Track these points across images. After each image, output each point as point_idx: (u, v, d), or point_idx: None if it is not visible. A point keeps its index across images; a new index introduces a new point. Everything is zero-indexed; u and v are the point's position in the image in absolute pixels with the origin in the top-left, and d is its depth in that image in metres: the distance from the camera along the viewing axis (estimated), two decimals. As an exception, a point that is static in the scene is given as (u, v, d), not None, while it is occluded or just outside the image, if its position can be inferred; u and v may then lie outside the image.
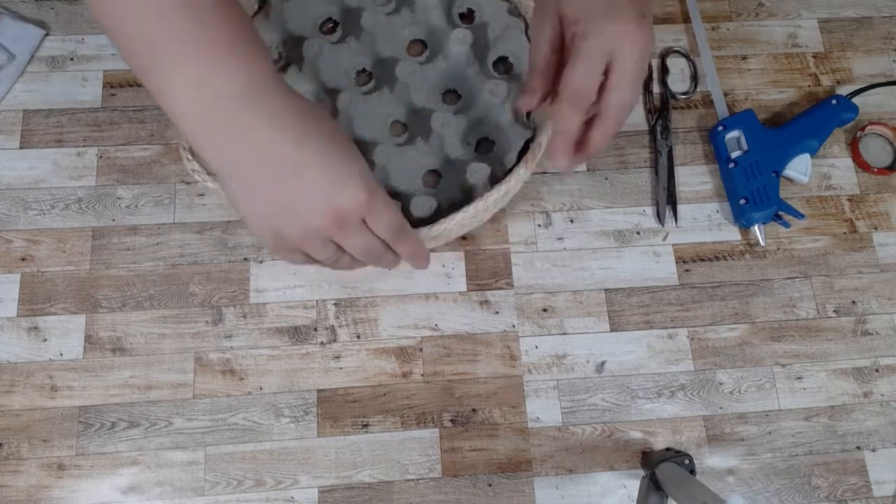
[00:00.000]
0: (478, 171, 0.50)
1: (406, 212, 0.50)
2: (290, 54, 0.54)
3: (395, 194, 0.51)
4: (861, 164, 0.59)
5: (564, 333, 0.54)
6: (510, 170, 0.48)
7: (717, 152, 0.58)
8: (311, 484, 0.50)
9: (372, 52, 0.53)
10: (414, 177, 0.51)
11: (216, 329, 0.52)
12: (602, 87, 0.38)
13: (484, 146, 0.53)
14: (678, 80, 0.60)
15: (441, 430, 0.51)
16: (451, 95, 0.54)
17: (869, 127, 0.59)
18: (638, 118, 0.59)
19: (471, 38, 0.52)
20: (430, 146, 0.51)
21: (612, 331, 0.54)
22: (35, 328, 0.51)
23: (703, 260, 0.56)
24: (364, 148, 0.51)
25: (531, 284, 0.54)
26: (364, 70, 0.54)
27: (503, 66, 0.55)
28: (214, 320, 0.52)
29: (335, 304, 0.53)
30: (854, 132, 0.59)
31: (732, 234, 0.57)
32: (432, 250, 0.54)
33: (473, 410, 0.52)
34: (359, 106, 0.51)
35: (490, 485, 0.50)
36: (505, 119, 0.52)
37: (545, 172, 0.57)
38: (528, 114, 0.53)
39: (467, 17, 0.56)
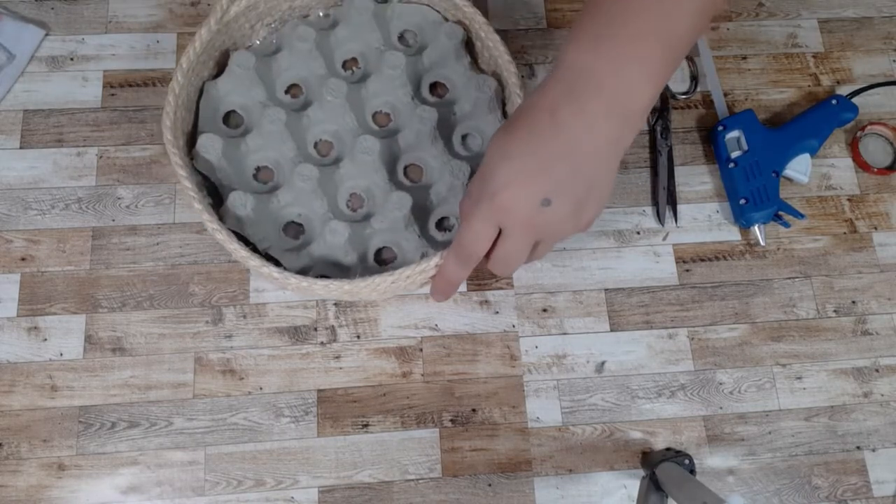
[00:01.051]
0: (424, 253, 0.50)
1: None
2: (251, 119, 0.53)
3: (341, 266, 0.50)
4: (861, 164, 0.59)
5: (564, 333, 0.54)
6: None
7: (717, 152, 0.58)
8: (311, 484, 0.50)
9: (336, 121, 0.53)
10: (363, 253, 0.51)
11: (216, 329, 0.52)
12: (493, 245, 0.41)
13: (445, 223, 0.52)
14: (678, 80, 0.60)
15: (441, 430, 0.51)
16: (414, 169, 0.54)
17: (869, 127, 0.59)
18: (638, 118, 0.59)
19: (435, 116, 0.52)
20: (386, 224, 0.50)
21: (612, 331, 0.54)
22: (35, 328, 0.51)
23: (703, 260, 0.56)
24: (319, 220, 0.51)
25: (531, 284, 0.54)
26: (323, 140, 0.53)
27: (466, 142, 0.55)
28: (214, 320, 0.52)
29: (335, 303, 0.53)
30: (854, 132, 0.59)
31: (732, 234, 0.57)
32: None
33: (473, 410, 0.52)
34: (316, 177, 0.50)
35: (490, 485, 0.50)
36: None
37: (545, 172, 0.57)
38: None
39: (438, 90, 0.56)
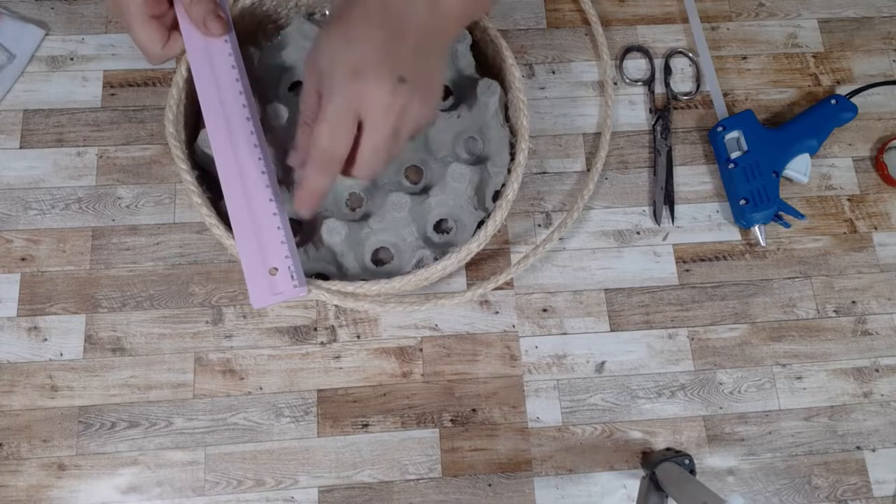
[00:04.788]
0: (424, 257, 0.50)
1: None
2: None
3: (337, 266, 0.50)
4: (885, 178, 0.58)
5: (564, 333, 0.54)
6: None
7: (716, 153, 0.58)
8: (311, 484, 0.50)
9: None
10: (359, 252, 0.50)
11: (216, 329, 0.52)
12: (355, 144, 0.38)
13: (442, 226, 0.52)
14: (680, 81, 0.60)
15: (441, 430, 0.51)
16: (413, 170, 0.54)
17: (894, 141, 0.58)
18: (639, 119, 0.59)
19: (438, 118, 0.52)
20: (384, 224, 0.50)
21: (612, 331, 0.54)
22: (35, 328, 0.51)
23: (703, 260, 0.56)
24: (317, 219, 0.50)
25: (531, 284, 0.55)
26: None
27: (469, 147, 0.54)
28: (214, 320, 0.52)
29: (335, 304, 0.53)
30: (881, 144, 0.58)
31: (732, 234, 0.57)
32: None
33: (473, 410, 0.52)
34: None
35: (490, 485, 0.50)
36: (465, 207, 0.51)
37: (545, 173, 0.57)
38: (496, 196, 0.52)
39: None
